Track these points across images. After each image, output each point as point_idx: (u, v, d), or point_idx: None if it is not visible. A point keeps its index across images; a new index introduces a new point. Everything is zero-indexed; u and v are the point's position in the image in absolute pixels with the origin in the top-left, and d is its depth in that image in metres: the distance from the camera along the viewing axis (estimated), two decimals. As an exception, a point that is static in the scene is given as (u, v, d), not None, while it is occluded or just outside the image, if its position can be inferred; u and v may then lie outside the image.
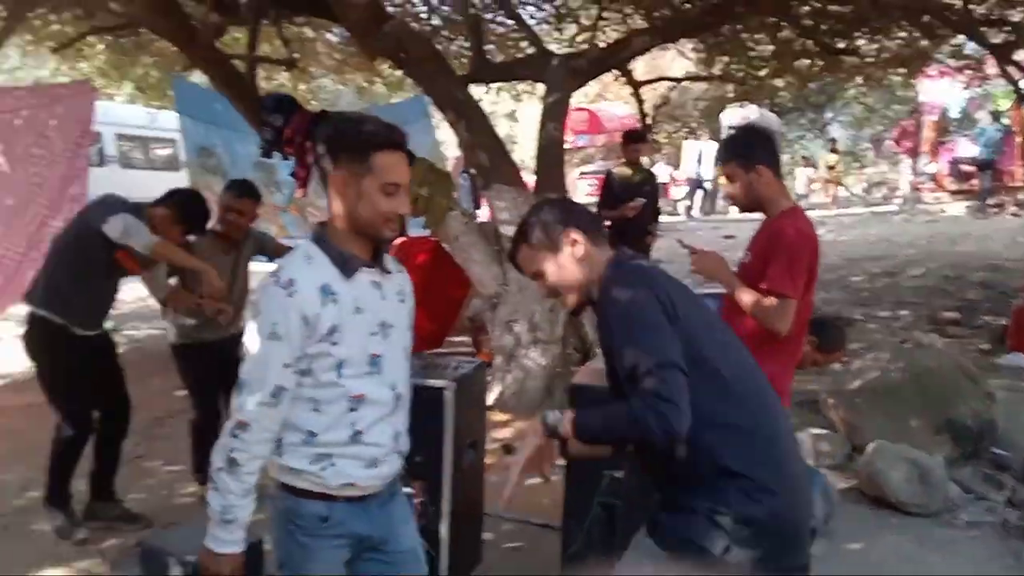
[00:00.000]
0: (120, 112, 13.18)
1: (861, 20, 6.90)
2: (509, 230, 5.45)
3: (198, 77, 9.56)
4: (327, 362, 1.80)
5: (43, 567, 3.28)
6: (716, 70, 8.79)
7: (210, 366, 3.88)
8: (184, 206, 3.64)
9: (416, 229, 8.41)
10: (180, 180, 8.48)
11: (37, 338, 3.56)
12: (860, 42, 7.68)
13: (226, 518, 1.80)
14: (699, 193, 17.76)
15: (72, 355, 3.53)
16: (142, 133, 14.39)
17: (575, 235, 1.93)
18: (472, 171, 11.84)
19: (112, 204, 3.49)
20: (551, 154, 5.92)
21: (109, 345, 3.79)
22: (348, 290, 1.81)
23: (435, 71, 5.62)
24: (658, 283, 1.84)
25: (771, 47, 7.92)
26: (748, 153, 2.72)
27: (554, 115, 5.92)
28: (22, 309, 7.13)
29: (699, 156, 17.29)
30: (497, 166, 5.55)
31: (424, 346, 6.35)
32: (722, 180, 2.84)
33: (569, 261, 1.93)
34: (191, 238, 3.97)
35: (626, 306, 1.78)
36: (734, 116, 16.72)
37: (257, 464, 1.81)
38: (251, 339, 1.78)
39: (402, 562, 2.01)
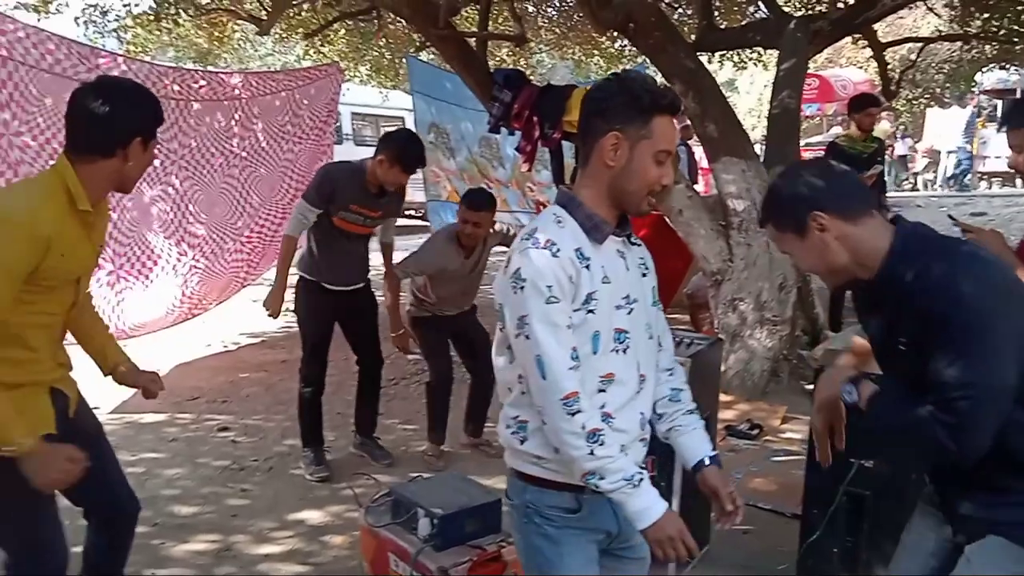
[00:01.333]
0: (355, 93, 14.13)
1: None
2: (738, 204, 5.26)
3: (425, 57, 10.04)
4: (584, 332, 1.66)
5: (302, 508, 3.60)
6: (973, 28, 7.91)
7: (443, 334, 4.21)
8: (397, 149, 3.74)
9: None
10: None
11: (299, 292, 4.00)
12: None
13: (633, 484, 1.62)
14: (961, 165, 16.49)
15: (324, 308, 3.89)
16: (374, 112, 15.39)
17: (823, 219, 1.67)
18: (689, 142, 11.61)
19: (316, 177, 3.85)
20: (784, 125, 5.62)
21: (365, 303, 4.07)
22: (597, 258, 1.68)
23: (664, 40, 5.50)
24: (998, 269, 1.60)
25: (1043, 0, 7.01)
26: None
27: (789, 83, 5.60)
28: (273, 274, 7.89)
29: (966, 125, 15.93)
30: (727, 137, 5.35)
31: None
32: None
33: (820, 245, 1.70)
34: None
35: (966, 303, 1.54)
36: (990, 80, 15.08)
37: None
38: (529, 309, 1.62)
39: (634, 559, 1.88)
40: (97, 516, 2.37)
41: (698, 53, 6.53)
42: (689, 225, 5.36)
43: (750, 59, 11.63)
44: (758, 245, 5.12)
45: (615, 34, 9.39)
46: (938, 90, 16.67)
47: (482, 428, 4.36)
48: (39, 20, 8.25)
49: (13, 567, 2.13)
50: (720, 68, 12.94)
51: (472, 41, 6.27)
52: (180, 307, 5.87)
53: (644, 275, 1.83)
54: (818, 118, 19.29)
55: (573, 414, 1.61)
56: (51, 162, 4.87)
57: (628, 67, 12.14)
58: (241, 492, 3.77)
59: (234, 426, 4.64)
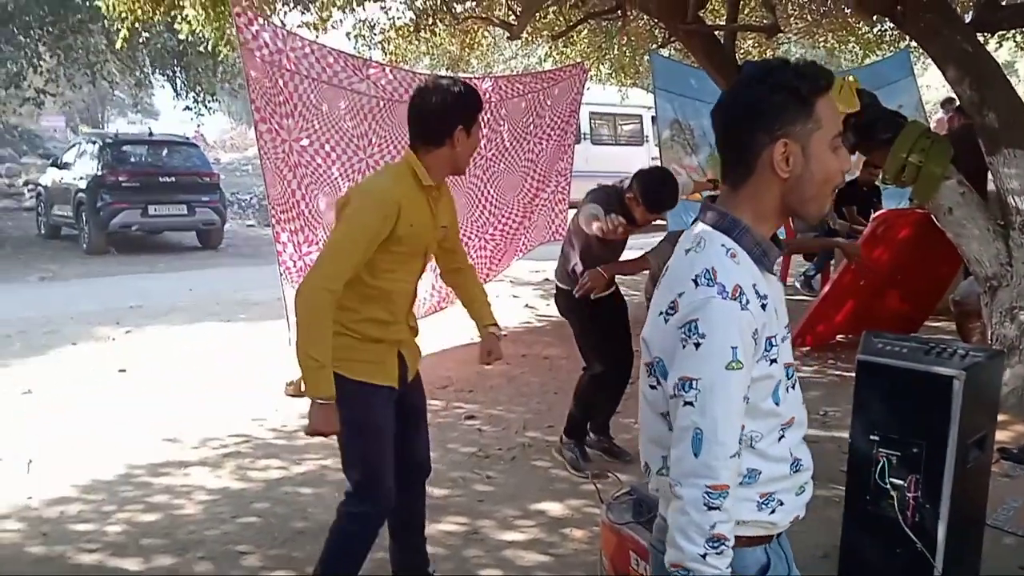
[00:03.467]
0: (594, 92, 14.32)
1: None
2: (1021, 201, 4.69)
3: (666, 53, 9.93)
4: (767, 385, 1.43)
5: (542, 499, 3.70)
6: None
7: None
8: (644, 191, 3.78)
9: (892, 200, 7.76)
10: (643, 154, 9.09)
11: (561, 303, 4.23)
12: None
13: None
14: None
15: (585, 314, 4.03)
16: (611, 111, 15.49)
17: None
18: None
19: (599, 194, 3.92)
20: (1084, 112, 4.93)
21: (620, 303, 4.21)
22: (770, 291, 1.45)
23: (937, 22, 5.01)
24: None
25: None
26: None
27: (1091, 63, 4.91)
28: (514, 271, 8.18)
29: None
30: (1010, 128, 4.78)
31: (896, 330, 5.81)
32: None
33: None
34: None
35: None
36: None
37: None
38: (703, 373, 1.35)
39: None
40: (400, 474, 2.71)
41: (977, 33, 5.90)
42: (960, 225, 4.86)
43: (1037, 38, 10.36)
44: (1045, 248, 4.55)
45: (875, 18, 8.74)
46: None
47: None
48: (317, 36, 9.18)
49: (353, 495, 2.57)
50: (997, 49, 11.64)
51: (720, 34, 6.12)
52: (431, 299, 6.24)
53: (781, 290, 1.59)
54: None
55: (712, 508, 1.35)
56: (320, 162, 5.43)
57: (887, 54, 11.24)
58: (487, 479, 3.94)
59: (479, 415, 4.86)
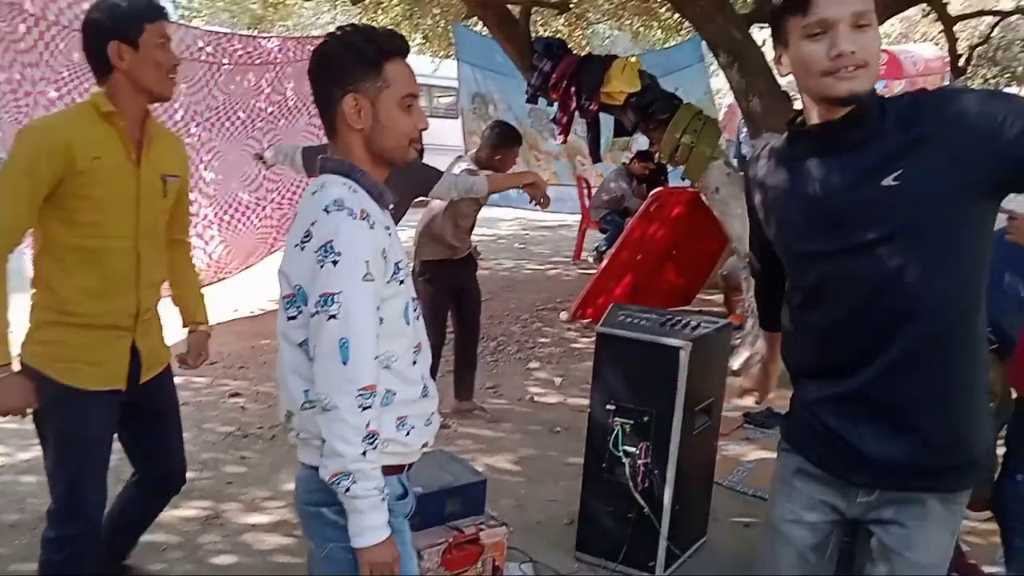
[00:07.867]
0: (409, 61, 14.05)
1: None
2: (777, 183, 5.00)
3: (478, 27, 9.88)
4: (397, 305, 1.56)
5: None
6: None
7: (446, 292, 4.19)
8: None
9: (676, 179, 8.12)
10: (458, 127, 9.05)
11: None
12: None
13: (382, 497, 1.50)
14: None
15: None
16: (425, 81, 15.27)
17: None
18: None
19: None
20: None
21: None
22: (388, 223, 1.59)
23: (711, 9, 5.23)
24: None
25: None
26: None
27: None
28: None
29: None
30: (770, 113, 5.08)
31: (673, 302, 6.12)
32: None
33: None
34: None
35: None
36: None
37: None
38: (343, 286, 1.45)
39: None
40: (145, 483, 2.45)
41: (758, 25, 6.18)
42: (725, 204, 5.13)
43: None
44: (794, 228, 4.88)
45: (670, 4, 9.07)
46: (1020, 69, 15.80)
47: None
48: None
49: (55, 515, 2.18)
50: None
51: (516, 10, 6.08)
52: (205, 271, 5.78)
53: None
54: (885, 95, 18.50)
55: (364, 409, 1.46)
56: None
57: (686, 39, 11.76)
58: (240, 459, 3.73)
59: (246, 392, 4.60)
